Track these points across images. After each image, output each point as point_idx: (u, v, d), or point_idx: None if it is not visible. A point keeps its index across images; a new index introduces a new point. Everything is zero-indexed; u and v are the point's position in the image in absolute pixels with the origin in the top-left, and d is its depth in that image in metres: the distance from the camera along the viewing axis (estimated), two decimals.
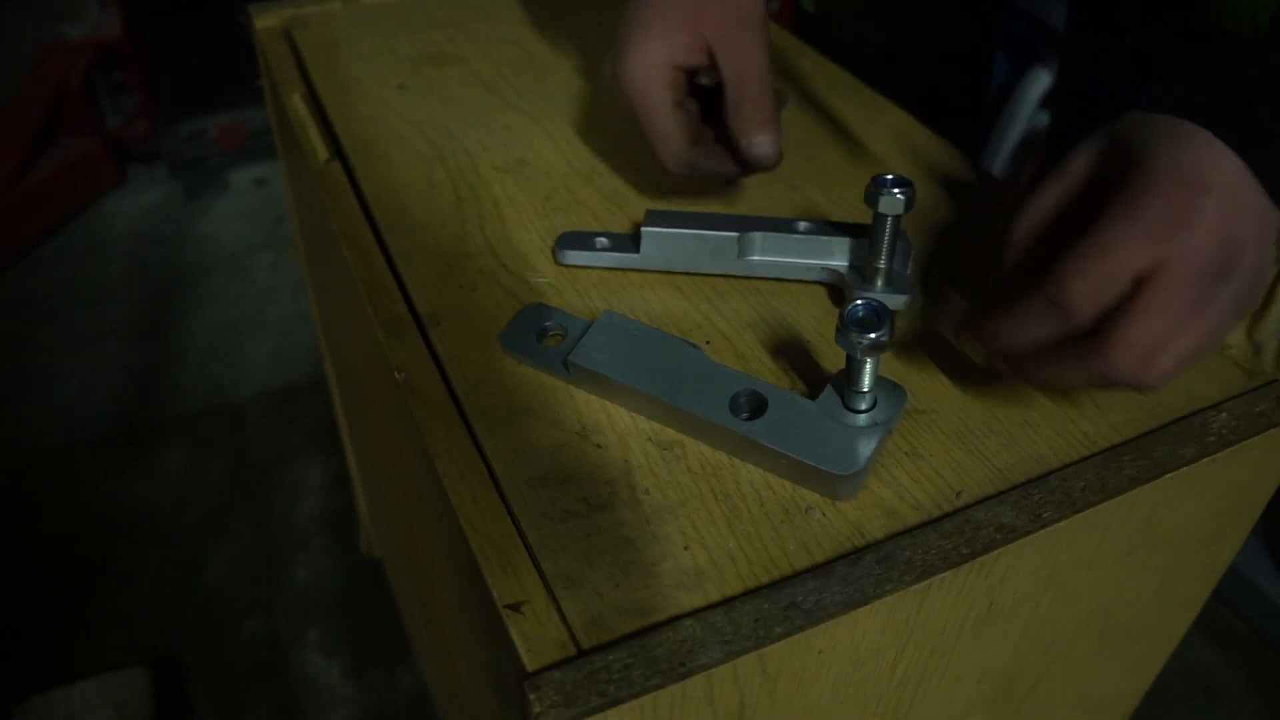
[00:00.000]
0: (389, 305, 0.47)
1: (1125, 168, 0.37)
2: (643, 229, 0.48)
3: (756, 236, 0.48)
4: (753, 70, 0.47)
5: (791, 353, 0.45)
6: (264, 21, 0.76)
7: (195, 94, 2.03)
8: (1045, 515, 0.37)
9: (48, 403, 1.58)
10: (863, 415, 0.39)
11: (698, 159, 0.49)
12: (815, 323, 0.47)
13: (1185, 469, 0.40)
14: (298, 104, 0.64)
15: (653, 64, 0.47)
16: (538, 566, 0.35)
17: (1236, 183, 0.36)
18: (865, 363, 0.37)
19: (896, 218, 0.44)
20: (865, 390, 0.38)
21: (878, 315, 0.36)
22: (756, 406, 0.39)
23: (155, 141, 2.09)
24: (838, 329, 0.36)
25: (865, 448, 0.37)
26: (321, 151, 0.59)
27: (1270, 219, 0.37)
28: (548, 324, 0.45)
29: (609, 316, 0.44)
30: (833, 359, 0.45)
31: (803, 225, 0.49)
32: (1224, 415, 0.42)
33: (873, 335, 0.36)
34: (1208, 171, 0.36)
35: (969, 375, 0.44)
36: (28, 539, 1.34)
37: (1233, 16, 0.42)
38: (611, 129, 0.61)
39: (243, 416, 1.56)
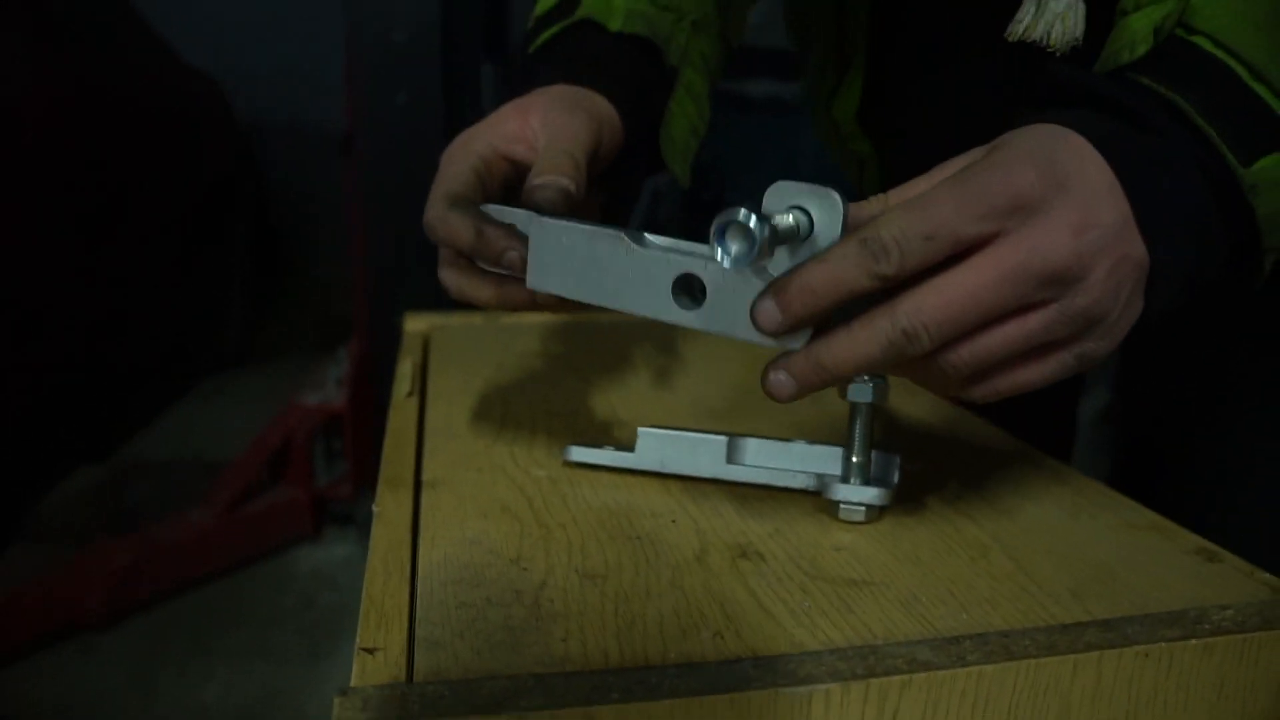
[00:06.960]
0: (398, 467, 0.52)
1: (989, 152, 0.35)
2: (640, 428, 0.51)
3: (747, 441, 0.50)
4: (560, 141, 0.47)
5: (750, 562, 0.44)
6: (414, 325, 0.92)
7: None
8: (970, 658, 0.33)
9: (197, 694, 1.65)
10: None
11: (453, 264, 0.47)
12: (772, 527, 0.46)
13: (1164, 644, 0.34)
14: (405, 368, 0.74)
15: (472, 141, 0.49)
16: (411, 629, 0.35)
17: (1099, 193, 0.33)
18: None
19: (869, 406, 0.45)
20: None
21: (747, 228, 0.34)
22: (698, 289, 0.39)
23: (353, 505, 2.33)
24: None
25: None
26: (406, 385, 0.68)
27: (1132, 252, 0.33)
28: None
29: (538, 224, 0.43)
30: (784, 566, 0.44)
31: (798, 441, 0.49)
32: (1230, 611, 0.37)
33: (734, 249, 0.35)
34: (1067, 169, 0.33)
35: (926, 556, 0.41)
36: None
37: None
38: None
39: None
